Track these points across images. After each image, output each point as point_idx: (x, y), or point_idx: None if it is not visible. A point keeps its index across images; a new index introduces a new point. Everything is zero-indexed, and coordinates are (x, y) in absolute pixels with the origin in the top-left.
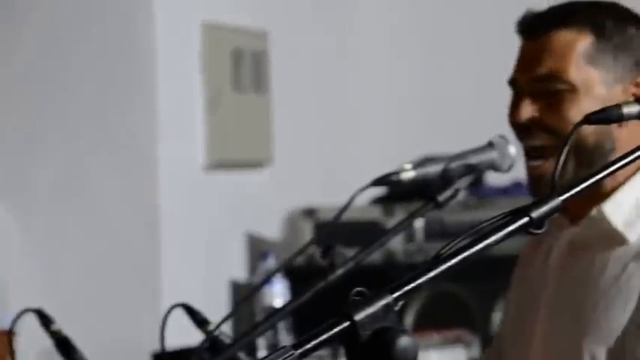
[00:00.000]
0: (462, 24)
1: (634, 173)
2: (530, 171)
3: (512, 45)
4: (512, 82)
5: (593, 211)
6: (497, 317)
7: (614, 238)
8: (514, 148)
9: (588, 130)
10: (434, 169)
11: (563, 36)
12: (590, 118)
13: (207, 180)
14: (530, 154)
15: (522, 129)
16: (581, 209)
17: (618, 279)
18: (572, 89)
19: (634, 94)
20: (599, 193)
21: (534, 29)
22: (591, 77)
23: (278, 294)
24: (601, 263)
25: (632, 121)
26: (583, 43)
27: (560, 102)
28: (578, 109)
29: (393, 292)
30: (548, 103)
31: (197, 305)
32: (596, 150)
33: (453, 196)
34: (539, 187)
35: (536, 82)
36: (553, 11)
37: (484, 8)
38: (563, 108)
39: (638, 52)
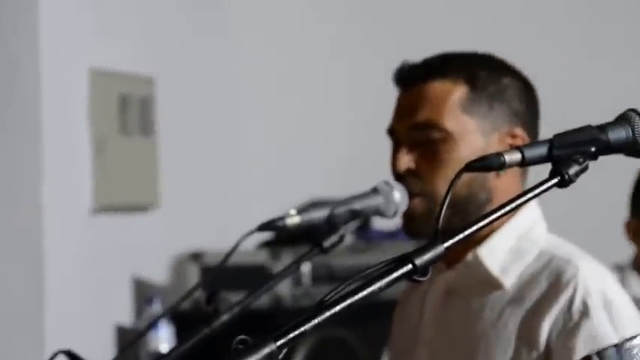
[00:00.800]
0: (349, 68)
1: (508, 219)
2: (405, 211)
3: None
4: (391, 132)
5: (469, 256)
6: None
7: (490, 283)
8: (399, 194)
9: (461, 180)
10: (319, 214)
11: (439, 86)
12: (472, 166)
13: (94, 224)
14: (411, 197)
15: (401, 179)
16: (456, 253)
17: (496, 324)
18: (449, 138)
19: (510, 145)
20: (474, 238)
21: (410, 79)
22: (467, 126)
23: (163, 339)
24: (477, 308)
25: (509, 172)
26: (458, 92)
27: (436, 151)
28: (454, 159)
29: (276, 340)
30: (424, 152)
31: (82, 350)
32: (471, 200)
33: (338, 242)
34: (410, 225)
35: (412, 130)
36: (428, 62)
37: (370, 54)
38: (439, 157)
39: (513, 102)
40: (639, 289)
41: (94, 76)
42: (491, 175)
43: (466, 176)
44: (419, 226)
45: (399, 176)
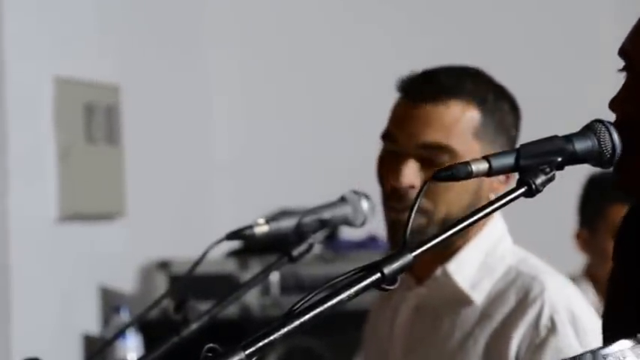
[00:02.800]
0: (317, 77)
1: (476, 234)
2: (390, 215)
3: (365, 100)
4: (389, 138)
5: (438, 271)
6: None
7: (460, 299)
8: (367, 204)
9: (462, 197)
10: (288, 223)
11: (452, 107)
12: (440, 175)
13: (59, 232)
14: (391, 202)
15: (397, 191)
16: (426, 269)
17: (466, 342)
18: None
19: (506, 176)
20: (443, 253)
21: (422, 94)
22: (476, 152)
23: (131, 348)
24: (448, 326)
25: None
26: (470, 116)
27: None
28: (457, 185)
29: (245, 349)
30: (429, 172)
31: (49, 359)
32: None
33: (307, 251)
34: (397, 230)
35: (422, 148)
36: (441, 79)
37: (338, 62)
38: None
39: (512, 129)
40: (593, 298)
41: (58, 84)
42: (484, 198)
43: (466, 193)
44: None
45: (399, 190)
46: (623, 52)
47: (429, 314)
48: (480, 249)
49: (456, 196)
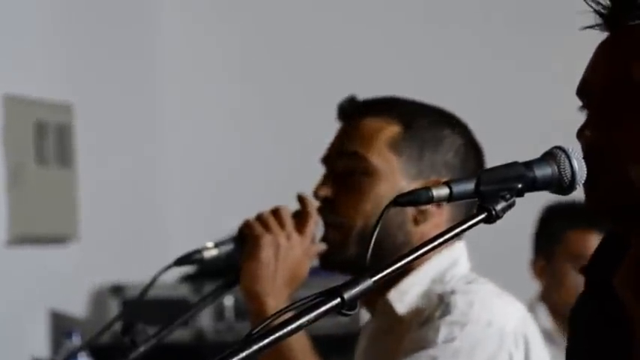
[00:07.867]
0: (268, 100)
1: (422, 261)
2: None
3: (326, 125)
4: (324, 161)
5: (380, 303)
6: None
7: (401, 324)
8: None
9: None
10: (238, 246)
11: (373, 122)
12: (399, 200)
13: (9, 255)
14: (325, 227)
15: (321, 204)
16: (372, 299)
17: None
18: (371, 172)
19: None
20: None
21: (349, 113)
22: (392, 164)
23: None
24: (392, 350)
25: (430, 221)
26: (390, 130)
27: (357, 184)
28: (373, 195)
29: None
30: (346, 183)
31: None
32: (385, 239)
33: None
34: (322, 256)
35: (340, 158)
36: (371, 100)
37: (290, 88)
38: (358, 191)
39: (448, 154)
40: (547, 322)
41: (8, 102)
42: (410, 220)
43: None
44: (331, 256)
45: (319, 201)
46: (583, 87)
47: (378, 342)
48: (425, 276)
49: (373, 208)
